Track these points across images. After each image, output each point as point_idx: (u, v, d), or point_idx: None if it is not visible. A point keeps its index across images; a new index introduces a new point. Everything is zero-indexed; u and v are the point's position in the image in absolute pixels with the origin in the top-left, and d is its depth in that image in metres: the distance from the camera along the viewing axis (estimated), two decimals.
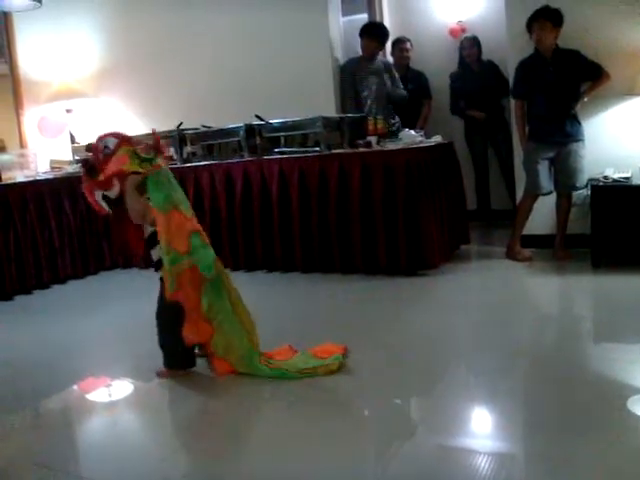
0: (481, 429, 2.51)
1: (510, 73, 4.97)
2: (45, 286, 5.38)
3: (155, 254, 3.05)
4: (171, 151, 5.95)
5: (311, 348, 3.14)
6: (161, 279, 3.05)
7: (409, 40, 6.55)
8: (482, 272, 4.79)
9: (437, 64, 6.61)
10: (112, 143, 2.98)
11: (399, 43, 6.52)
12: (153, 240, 3.01)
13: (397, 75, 6.14)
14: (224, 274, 3.11)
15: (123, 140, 3.00)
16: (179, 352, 3.10)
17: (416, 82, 6.48)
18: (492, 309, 3.94)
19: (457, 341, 3.37)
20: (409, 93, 6.27)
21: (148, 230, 3.06)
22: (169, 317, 3.03)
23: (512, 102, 4.98)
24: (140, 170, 2.92)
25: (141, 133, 6.07)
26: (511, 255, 4.89)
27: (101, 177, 2.96)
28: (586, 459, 2.13)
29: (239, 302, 3.11)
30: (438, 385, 2.86)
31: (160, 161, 3.00)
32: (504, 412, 2.58)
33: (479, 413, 2.63)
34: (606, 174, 4.52)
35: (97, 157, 3.01)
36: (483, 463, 2.16)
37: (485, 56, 6.30)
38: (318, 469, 2.21)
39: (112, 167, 2.94)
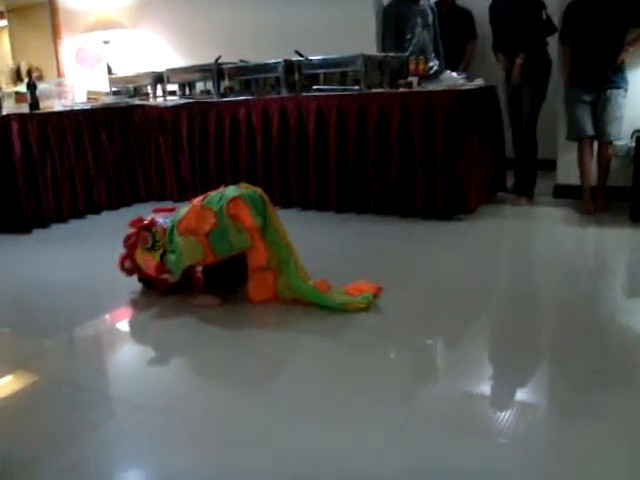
0: (505, 376, 2.48)
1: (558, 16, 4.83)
2: (80, 215, 5.45)
3: None
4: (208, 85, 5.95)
5: (345, 285, 3.16)
6: None
7: None
8: (518, 219, 4.72)
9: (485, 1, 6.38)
10: (128, 264, 3.38)
11: None
12: None
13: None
14: (270, 208, 3.24)
15: (130, 252, 3.36)
16: (217, 277, 3.27)
17: (461, 20, 6.27)
18: (525, 257, 3.93)
19: (489, 287, 3.35)
20: (453, 31, 6.08)
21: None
22: None
23: (559, 46, 4.86)
24: (160, 251, 3.26)
25: (176, 67, 6.07)
26: (580, 207, 4.75)
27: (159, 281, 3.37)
28: (607, 409, 2.12)
29: (273, 214, 3.25)
30: (466, 330, 2.84)
31: (159, 233, 3.29)
32: (530, 360, 2.56)
33: (504, 360, 2.60)
34: None
35: (139, 275, 3.45)
36: (504, 411, 2.17)
37: None
38: (340, 410, 2.21)
39: (151, 272, 3.31)
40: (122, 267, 3.41)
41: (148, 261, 3.29)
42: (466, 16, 6.34)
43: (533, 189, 5.11)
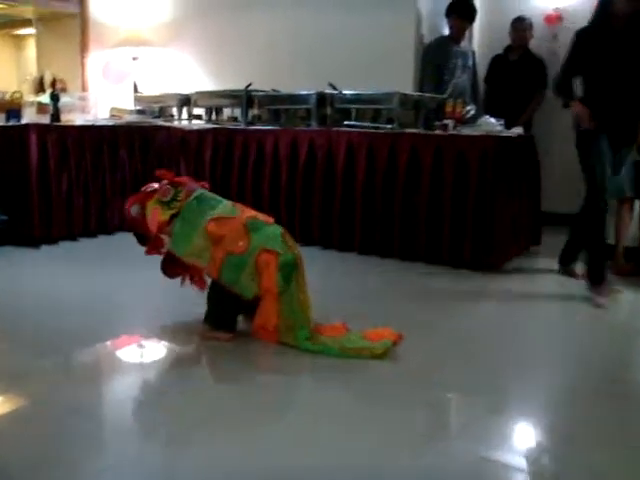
0: (527, 443, 2.42)
1: None
2: (92, 235, 5.55)
3: None
4: (235, 112, 6.06)
5: (365, 330, 3.18)
6: None
7: (529, 19, 6.27)
8: (549, 276, 4.70)
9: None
10: (136, 209, 3.33)
11: (518, 22, 6.26)
12: None
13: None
14: (300, 274, 3.22)
15: (143, 198, 3.32)
16: (224, 316, 3.24)
17: (532, 68, 6.23)
18: (553, 314, 3.94)
19: (514, 344, 3.35)
20: (522, 79, 6.17)
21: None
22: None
23: None
24: (174, 212, 3.24)
25: (205, 90, 6.20)
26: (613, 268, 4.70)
27: (154, 242, 3.34)
28: None
29: (301, 274, 3.21)
30: (486, 388, 2.81)
31: (182, 194, 3.28)
32: (555, 426, 2.52)
33: (527, 424, 2.57)
34: None
35: (138, 227, 3.38)
36: None
37: None
38: (343, 464, 2.18)
39: (152, 226, 3.26)
40: (128, 208, 3.35)
41: (156, 214, 3.25)
42: (538, 64, 6.27)
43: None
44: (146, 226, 3.30)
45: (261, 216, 3.29)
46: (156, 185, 3.34)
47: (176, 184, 3.31)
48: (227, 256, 3.10)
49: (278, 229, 3.23)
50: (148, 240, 3.38)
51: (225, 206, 3.29)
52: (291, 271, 3.14)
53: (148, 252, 3.39)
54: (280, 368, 3.00)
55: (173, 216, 3.23)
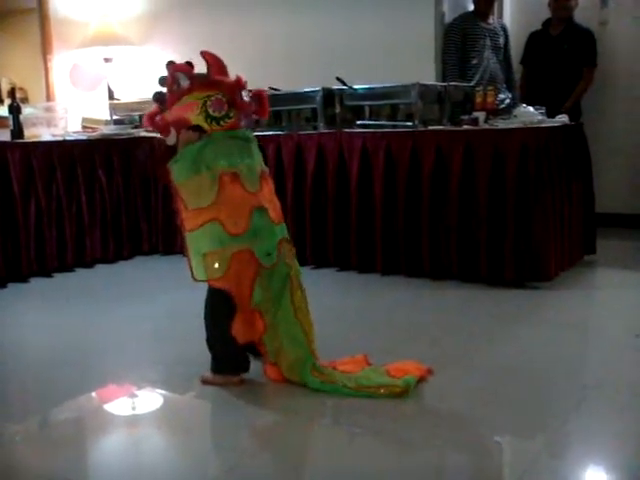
0: None
1: None
2: (68, 269, 5.65)
3: None
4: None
5: (389, 364, 3.23)
6: None
7: None
8: (609, 290, 4.79)
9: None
10: (183, 78, 3.03)
11: None
12: None
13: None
14: (294, 265, 3.26)
15: (198, 84, 3.05)
16: (230, 353, 3.24)
17: (579, 43, 6.31)
18: (620, 343, 3.83)
19: (569, 375, 3.34)
20: (568, 57, 6.24)
21: None
22: (219, 308, 3.19)
23: None
24: (204, 126, 3.03)
25: None
26: None
27: (164, 117, 3.07)
28: None
29: (303, 302, 3.25)
30: (538, 430, 2.81)
31: (233, 118, 3.06)
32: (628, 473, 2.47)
33: (595, 472, 2.53)
34: None
35: (171, 89, 3.09)
36: None
37: None
38: None
39: (175, 112, 3.04)
40: (176, 68, 3.08)
41: (188, 109, 3.01)
42: (586, 38, 6.33)
43: None
44: (172, 102, 3.06)
45: (273, 211, 3.19)
46: (224, 80, 3.09)
47: (234, 106, 3.05)
48: (213, 222, 3.03)
49: (278, 234, 3.19)
50: (162, 109, 3.10)
51: (252, 169, 3.15)
52: (281, 286, 3.15)
53: (146, 122, 3.17)
54: (293, 416, 3.02)
55: (198, 128, 3.04)
